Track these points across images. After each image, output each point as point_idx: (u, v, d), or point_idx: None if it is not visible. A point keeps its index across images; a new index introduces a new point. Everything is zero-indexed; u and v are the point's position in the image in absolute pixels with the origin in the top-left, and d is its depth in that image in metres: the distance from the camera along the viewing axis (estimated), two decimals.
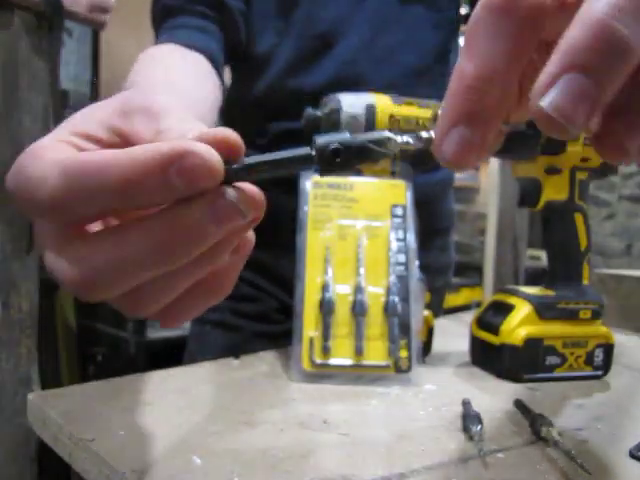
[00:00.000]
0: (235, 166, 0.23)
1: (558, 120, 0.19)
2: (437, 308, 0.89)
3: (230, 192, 0.22)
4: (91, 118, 0.25)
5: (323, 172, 0.24)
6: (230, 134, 0.23)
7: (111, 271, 0.22)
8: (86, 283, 0.22)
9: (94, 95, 1.76)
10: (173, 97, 0.46)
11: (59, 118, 1.20)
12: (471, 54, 0.21)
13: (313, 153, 0.24)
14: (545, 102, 0.19)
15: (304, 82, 0.72)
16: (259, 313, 0.78)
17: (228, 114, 0.86)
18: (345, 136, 0.24)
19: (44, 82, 1.18)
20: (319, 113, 0.61)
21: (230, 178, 0.23)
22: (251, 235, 0.27)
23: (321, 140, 0.24)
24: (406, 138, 0.25)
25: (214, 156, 0.21)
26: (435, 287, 0.86)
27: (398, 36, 0.74)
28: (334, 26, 0.73)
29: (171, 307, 0.25)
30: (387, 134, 0.24)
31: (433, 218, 0.84)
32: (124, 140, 0.25)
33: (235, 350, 0.61)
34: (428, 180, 0.80)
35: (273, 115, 0.75)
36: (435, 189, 0.83)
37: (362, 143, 0.24)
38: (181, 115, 0.24)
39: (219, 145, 0.22)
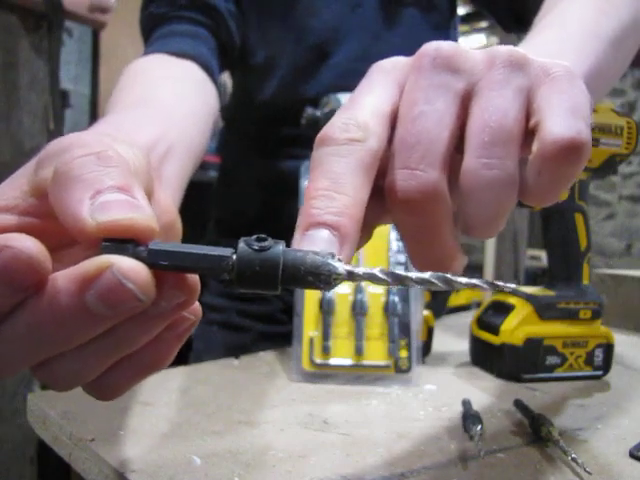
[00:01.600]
0: (143, 251, 0.20)
1: None
2: (440, 309, 0.88)
3: (117, 271, 0.19)
4: (6, 187, 0.23)
5: (238, 285, 0.20)
6: (137, 221, 0.20)
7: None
8: None
9: (94, 95, 1.76)
10: (149, 116, 0.44)
11: (59, 118, 1.20)
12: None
13: (233, 258, 0.20)
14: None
15: (303, 93, 0.71)
16: (264, 314, 0.78)
17: (232, 119, 0.86)
18: (277, 251, 0.20)
19: (44, 82, 1.18)
20: (318, 113, 0.61)
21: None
22: (194, 311, 0.24)
23: (245, 251, 0.20)
24: (360, 271, 0.21)
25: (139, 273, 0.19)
26: None
27: (396, 41, 0.73)
28: (329, 36, 0.72)
29: (102, 381, 0.23)
30: (331, 265, 0.20)
31: None
32: (39, 195, 0.22)
33: (241, 350, 0.61)
34: None
35: (274, 122, 0.75)
36: None
37: (296, 264, 0.20)
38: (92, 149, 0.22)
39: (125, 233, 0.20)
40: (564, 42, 0.38)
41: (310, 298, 0.54)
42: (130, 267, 0.19)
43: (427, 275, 0.21)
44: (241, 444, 0.39)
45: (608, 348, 0.58)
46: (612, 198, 3.38)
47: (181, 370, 0.54)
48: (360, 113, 0.24)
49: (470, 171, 0.23)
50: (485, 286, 0.22)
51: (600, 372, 0.58)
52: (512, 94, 0.23)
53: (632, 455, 0.40)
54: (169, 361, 0.24)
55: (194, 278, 0.21)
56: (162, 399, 0.46)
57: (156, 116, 0.45)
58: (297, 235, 0.22)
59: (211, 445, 0.38)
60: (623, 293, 0.88)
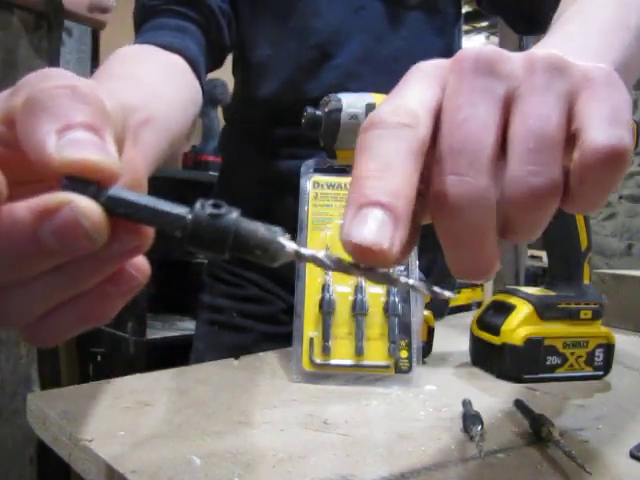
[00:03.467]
0: (103, 197, 0.20)
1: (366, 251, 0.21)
2: (442, 309, 0.89)
3: (75, 209, 0.19)
4: None
5: (189, 245, 0.21)
6: (102, 162, 0.20)
7: None
8: None
9: None
10: (131, 88, 0.44)
11: None
12: None
13: (189, 217, 0.21)
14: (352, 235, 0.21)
15: (305, 93, 0.71)
16: (266, 314, 0.78)
17: (232, 118, 0.86)
18: (231, 218, 0.21)
19: None
20: (319, 112, 0.60)
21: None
22: (141, 271, 0.24)
23: (200, 212, 0.21)
24: (306, 252, 0.22)
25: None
26: None
27: (400, 44, 0.73)
28: (332, 37, 0.71)
29: (40, 325, 0.23)
30: (280, 242, 0.21)
31: None
32: (8, 123, 0.21)
33: (243, 351, 0.61)
34: None
35: (275, 121, 0.75)
36: None
37: (248, 232, 0.21)
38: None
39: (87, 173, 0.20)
40: (588, 35, 0.37)
41: (310, 298, 0.54)
42: (87, 208, 0.19)
43: (370, 268, 0.22)
44: (241, 444, 0.39)
45: (609, 348, 0.58)
46: (612, 198, 3.38)
47: (181, 370, 0.54)
48: (409, 101, 0.24)
49: (516, 178, 0.23)
50: (423, 290, 0.23)
51: (601, 372, 0.58)
52: (554, 100, 0.23)
53: (632, 455, 0.40)
54: (109, 317, 0.24)
55: (140, 234, 0.22)
56: (162, 399, 0.46)
57: (139, 89, 0.45)
58: (349, 213, 0.22)
59: (211, 445, 0.38)
60: (623, 293, 0.88)
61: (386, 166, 0.22)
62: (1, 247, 0.19)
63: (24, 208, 0.19)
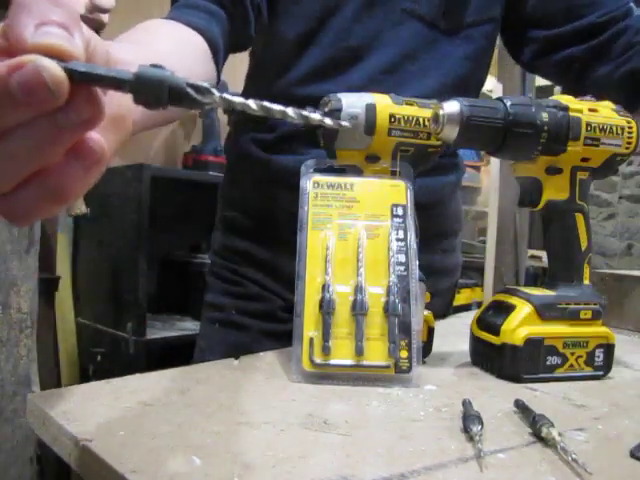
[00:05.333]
0: (68, 67, 0.24)
1: None
2: (445, 309, 0.89)
3: (39, 64, 0.23)
4: None
5: (136, 100, 0.25)
6: (63, 44, 0.24)
7: None
8: None
9: None
10: (130, 49, 0.45)
11: None
12: None
13: (133, 72, 0.25)
14: None
15: (324, 89, 0.71)
16: (265, 312, 0.79)
17: (239, 120, 0.86)
18: (166, 72, 0.25)
19: None
20: (319, 112, 0.60)
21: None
22: (99, 147, 0.27)
23: (142, 69, 0.25)
24: (235, 99, 0.26)
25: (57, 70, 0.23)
26: (440, 289, 0.86)
27: (426, 63, 0.75)
28: (367, 42, 0.74)
29: (12, 200, 0.26)
30: (207, 85, 0.26)
31: (441, 220, 0.85)
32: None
33: (243, 349, 0.61)
34: (437, 182, 0.80)
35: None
36: (444, 191, 0.83)
37: (179, 83, 0.25)
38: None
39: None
40: None
41: (310, 298, 0.54)
42: (49, 64, 0.23)
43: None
44: (241, 444, 0.39)
45: (609, 348, 0.58)
46: (612, 198, 3.38)
47: (181, 370, 0.54)
48: None
49: None
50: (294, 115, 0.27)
51: (601, 372, 0.58)
52: None
53: (632, 455, 0.40)
54: (77, 194, 0.27)
55: (100, 100, 0.25)
56: (162, 399, 0.46)
57: (139, 51, 0.45)
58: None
59: (211, 445, 0.38)
60: (623, 293, 0.88)
61: None
62: None
63: (1, 64, 0.23)
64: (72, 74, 0.24)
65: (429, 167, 0.65)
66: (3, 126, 0.25)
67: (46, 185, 0.26)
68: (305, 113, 0.28)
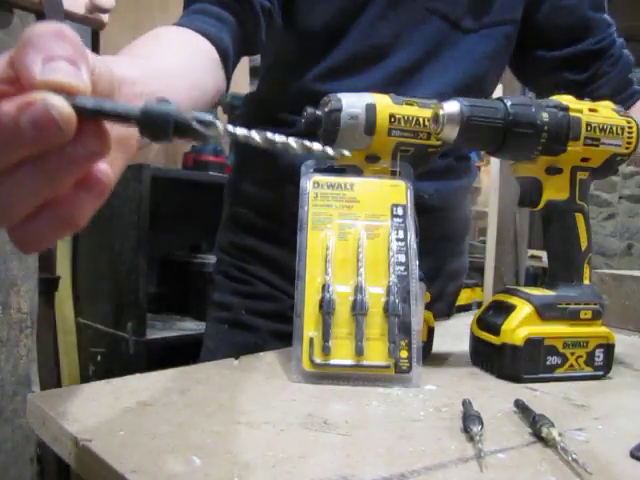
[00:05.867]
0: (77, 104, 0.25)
1: None
2: (448, 311, 0.89)
3: (48, 102, 0.24)
4: None
5: (142, 134, 0.26)
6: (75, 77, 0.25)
7: None
8: None
9: None
10: (133, 64, 0.44)
11: None
12: None
13: (139, 107, 0.26)
14: None
15: (347, 85, 0.71)
16: (275, 312, 0.78)
17: (250, 107, 0.87)
18: (172, 107, 0.26)
19: None
20: (319, 112, 0.60)
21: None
22: (106, 177, 0.28)
23: (149, 104, 0.26)
24: (239, 131, 0.27)
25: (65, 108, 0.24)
26: (447, 292, 0.86)
27: (446, 61, 0.76)
28: (390, 40, 0.74)
29: (24, 230, 0.27)
30: (211, 118, 0.26)
31: (453, 223, 0.85)
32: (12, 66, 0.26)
33: (251, 350, 0.61)
34: (451, 186, 0.80)
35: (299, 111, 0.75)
36: (457, 194, 0.83)
37: (185, 118, 0.26)
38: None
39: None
40: None
41: (310, 298, 0.54)
42: (58, 102, 0.24)
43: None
44: (241, 444, 0.39)
45: (609, 348, 0.58)
46: (612, 198, 3.38)
47: (181, 370, 0.54)
48: None
49: None
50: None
51: (601, 372, 0.58)
52: None
53: (632, 455, 0.40)
54: (83, 223, 0.28)
55: (107, 133, 0.26)
56: (162, 399, 0.46)
57: (147, 66, 0.45)
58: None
59: (211, 445, 0.38)
60: (623, 293, 0.88)
61: None
62: None
63: (10, 103, 0.24)
64: (80, 110, 0.25)
65: (429, 168, 0.65)
66: (13, 160, 0.25)
67: (56, 215, 0.27)
68: (307, 144, 0.28)
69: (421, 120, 0.60)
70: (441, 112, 0.54)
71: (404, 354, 0.52)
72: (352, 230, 0.56)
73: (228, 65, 0.62)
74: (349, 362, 0.52)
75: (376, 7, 0.73)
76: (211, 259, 1.68)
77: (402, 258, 0.56)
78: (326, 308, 0.53)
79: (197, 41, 0.59)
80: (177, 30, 0.59)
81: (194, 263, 1.85)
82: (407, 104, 0.60)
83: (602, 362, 0.58)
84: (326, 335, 0.52)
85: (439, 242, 0.81)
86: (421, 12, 0.74)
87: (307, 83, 0.75)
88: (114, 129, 0.27)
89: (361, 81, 0.73)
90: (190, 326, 1.79)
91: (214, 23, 0.61)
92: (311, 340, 0.52)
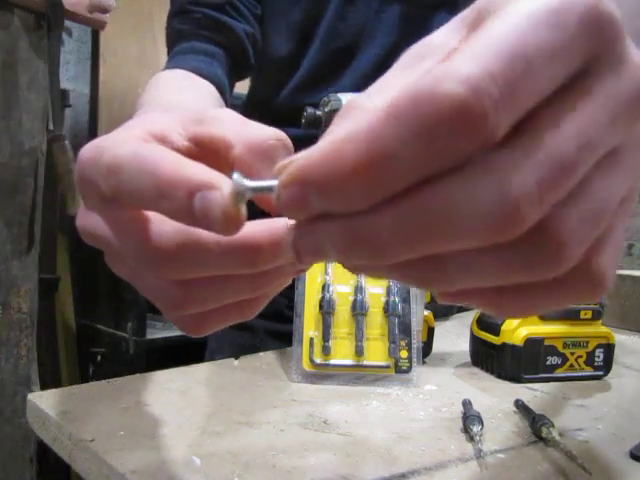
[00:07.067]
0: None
1: None
2: (447, 310, 0.88)
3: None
4: (166, 121, 0.25)
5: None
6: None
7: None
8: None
9: (94, 95, 1.76)
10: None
11: (58, 118, 1.20)
12: None
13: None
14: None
15: (323, 94, 0.72)
16: (271, 311, 0.78)
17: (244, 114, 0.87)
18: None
19: (43, 82, 1.18)
20: (319, 112, 0.60)
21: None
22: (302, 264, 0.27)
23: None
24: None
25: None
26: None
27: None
28: (354, 39, 0.73)
29: (202, 316, 0.26)
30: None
31: None
32: (200, 146, 0.24)
33: (252, 351, 0.61)
34: None
35: (289, 122, 0.75)
36: None
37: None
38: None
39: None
40: None
41: (310, 298, 0.54)
42: (225, 193, 0.20)
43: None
44: (241, 444, 0.39)
45: (609, 348, 0.58)
46: None
47: (181, 370, 0.54)
48: None
49: None
50: None
51: (601, 372, 0.58)
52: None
53: (632, 455, 0.39)
54: (258, 311, 0.28)
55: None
56: (162, 399, 0.46)
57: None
58: None
59: (211, 445, 0.38)
60: (623, 293, 0.88)
61: None
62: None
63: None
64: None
65: None
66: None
67: (240, 307, 0.27)
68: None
69: None
70: None
71: (404, 354, 0.52)
72: None
73: (226, 99, 0.64)
74: (349, 362, 0.52)
75: (332, 10, 0.72)
76: None
77: None
78: (326, 308, 0.53)
79: (200, 82, 0.61)
80: (182, 75, 0.61)
81: None
82: None
83: (602, 362, 0.57)
84: (326, 335, 0.52)
85: None
86: (378, 2, 0.72)
87: (285, 98, 0.76)
88: None
89: (338, 86, 0.72)
90: None
91: (205, 59, 0.63)
92: (311, 340, 0.52)
